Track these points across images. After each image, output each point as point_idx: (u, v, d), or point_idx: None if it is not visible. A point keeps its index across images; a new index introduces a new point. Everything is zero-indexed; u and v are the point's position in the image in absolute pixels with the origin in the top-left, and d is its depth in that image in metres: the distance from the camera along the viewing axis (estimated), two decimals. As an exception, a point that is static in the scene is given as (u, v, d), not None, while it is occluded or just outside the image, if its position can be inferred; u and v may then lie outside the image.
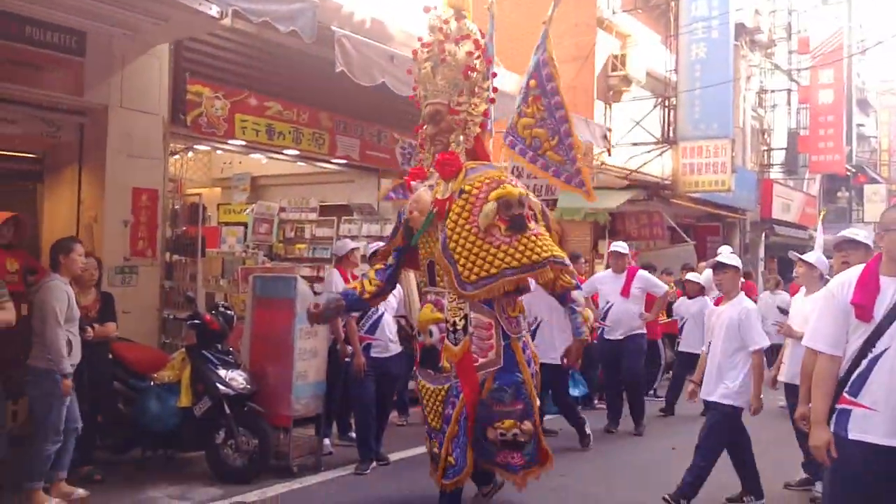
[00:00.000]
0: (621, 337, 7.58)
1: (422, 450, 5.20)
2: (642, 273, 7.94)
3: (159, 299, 6.81)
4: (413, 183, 4.48)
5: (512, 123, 4.91)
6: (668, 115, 14.89)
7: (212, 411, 5.42)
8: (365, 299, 4.78)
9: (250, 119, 7.33)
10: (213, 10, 5.28)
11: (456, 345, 4.13)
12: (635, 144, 14.37)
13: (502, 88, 5.28)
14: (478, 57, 4.38)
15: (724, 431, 5.01)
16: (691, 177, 14.52)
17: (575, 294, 4.30)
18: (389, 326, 5.95)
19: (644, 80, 14.74)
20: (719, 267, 5.21)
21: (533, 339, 6.44)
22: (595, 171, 13.55)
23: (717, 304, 5.38)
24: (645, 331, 7.83)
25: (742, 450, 5.12)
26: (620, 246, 7.92)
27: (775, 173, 21.06)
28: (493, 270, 4.02)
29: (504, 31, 13.86)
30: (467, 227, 4.06)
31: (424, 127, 4.40)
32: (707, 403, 5.36)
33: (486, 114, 4.56)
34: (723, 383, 4.96)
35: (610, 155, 12.62)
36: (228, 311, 5.96)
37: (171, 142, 7.06)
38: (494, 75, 4.69)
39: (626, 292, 7.56)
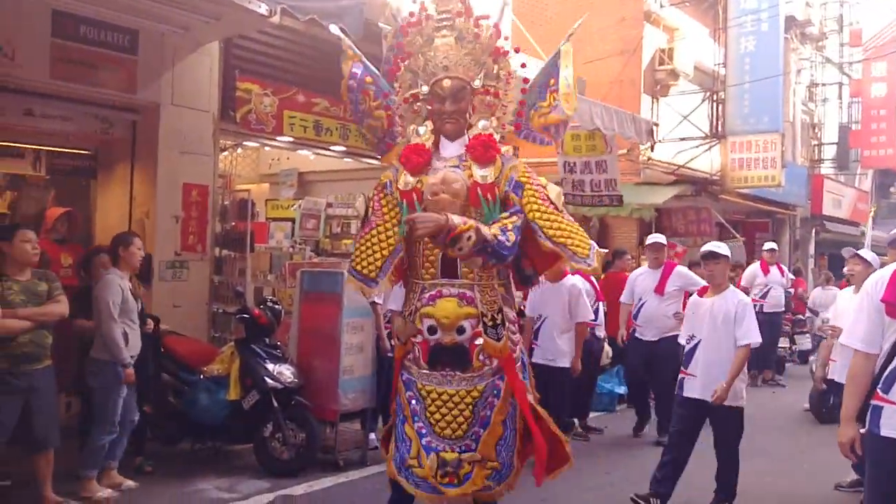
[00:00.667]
0: (654, 339, 7.04)
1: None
2: (680, 269, 7.39)
3: (208, 293, 6.92)
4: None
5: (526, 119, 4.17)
6: (717, 109, 14.58)
7: (260, 405, 5.49)
8: None
9: (298, 115, 7.39)
10: (263, 9, 5.32)
11: (499, 340, 3.68)
12: (683, 139, 14.12)
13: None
14: (506, 38, 3.96)
15: (738, 432, 4.93)
16: (740, 172, 14.22)
17: None
18: None
19: (692, 73, 14.49)
20: (711, 257, 5.00)
21: (536, 338, 6.35)
22: (641, 166, 13.40)
23: (700, 294, 5.18)
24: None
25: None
26: (658, 237, 7.47)
27: (826, 168, 20.57)
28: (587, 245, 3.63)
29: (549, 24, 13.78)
30: (546, 208, 3.67)
31: (438, 103, 3.76)
32: (701, 402, 4.86)
33: (519, 113, 4.03)
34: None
35: (653, 150, 12.44)
36: (276, 306, 6.02)
37: (221, 138, 7.16)
38: (523, 65, 4.11)
39: (660, 289, 7.04)
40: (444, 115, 3.75)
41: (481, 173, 3.66)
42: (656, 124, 11.60)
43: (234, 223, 7.73)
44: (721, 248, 5.13)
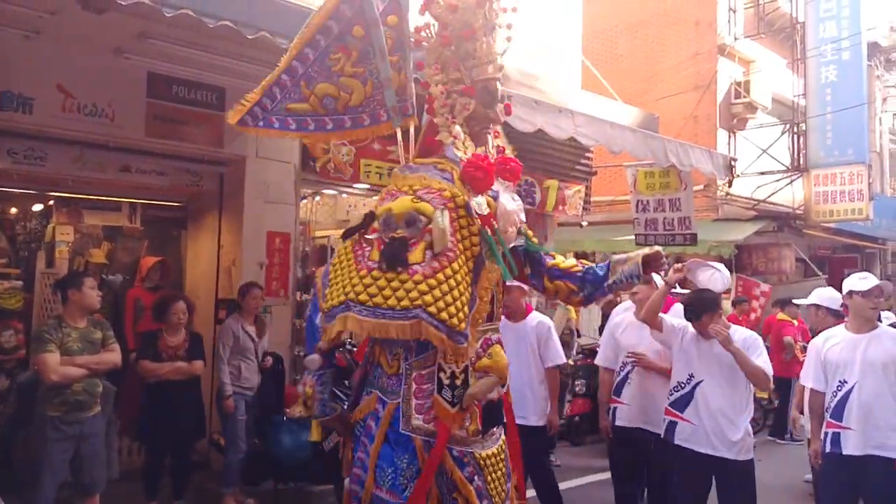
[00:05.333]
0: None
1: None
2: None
3: (290, 337, 7.12)
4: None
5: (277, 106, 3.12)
6: (798, 141, 14.18)
7: (339, 446, 5.58)
8: None
9: (374, 163, 7.62)
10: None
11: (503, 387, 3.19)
12: (763, 174, 13.81)
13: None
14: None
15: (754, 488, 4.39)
16: (825, 206, 13.77)
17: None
18: None
19: (770, 105, 14.21)
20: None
21: None
22: (720, 201, 13.15)
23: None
24: None
25: None
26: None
27: (920, 199, 19.68)
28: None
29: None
30: None
31: (485, 107, 3.09)
32: (712, 459, 4.28)
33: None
34: (731, 433, 4.25)
35: (731, 185, 12.20)
36: (354, 349, 6.15)
37: (302, 187, 7.44)
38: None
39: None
40: (486, 123, 3.12)
41: (478, 201, 2.98)
42: (734, 159, 11.40)
43: (314, 268, 7.96)
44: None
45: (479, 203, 2.87)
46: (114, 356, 4.63)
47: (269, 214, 6.91)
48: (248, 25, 4.39)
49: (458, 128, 3.05)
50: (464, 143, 3.07)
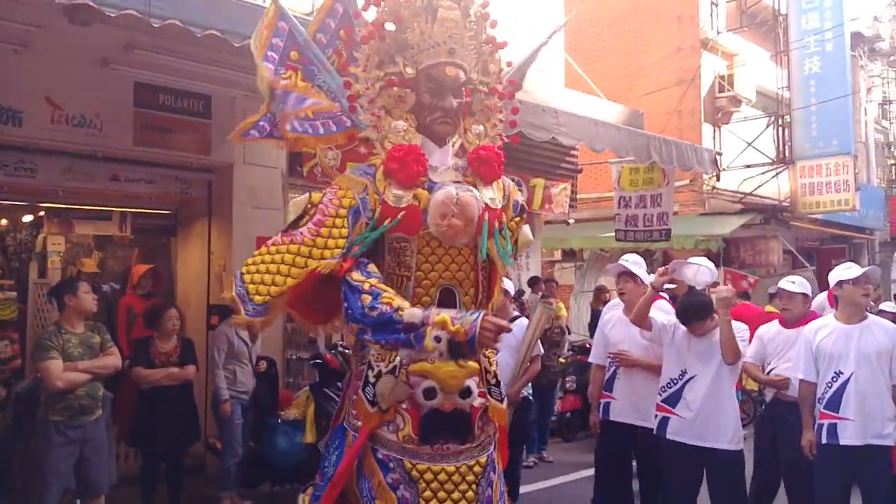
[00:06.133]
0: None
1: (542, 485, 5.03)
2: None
3: (282, 341, 7.19)
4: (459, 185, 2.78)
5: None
6: (783, 133, 14.32)
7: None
8: None
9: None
10: (324, 70, 5.62)
11: (502, 401, 2.95)
12: (749, 166, 13.93)
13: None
14: (493, 25, 2.99)
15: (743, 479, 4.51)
16: (811, 197, 13.90)
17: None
18: None
19: (754, 98, 14.33)
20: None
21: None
22: (706, 195, 13.27)
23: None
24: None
25: None
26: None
27: (905, 188, 19.88)
28: None
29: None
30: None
31: (433, 96, 2.82)
32: (702, 451, 4.40)
33: (512, 122, 3.15)
34: (721, 424, 4.40)
35: (719, 180, 12.29)
36: (347, 350, 6.21)
37: (290, 192, 7.49)
38: (510, 64, 3.16)
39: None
40: (440, 113, 2.83)
41: (489, 195, 2.84)
42: (719, 153, 11.52)
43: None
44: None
45: (398, 196, 2.72)
46: (114, 359, 4.68)
47: (258, 219, 6.96)
48: (235, 33, 4.44)
49: (399, 122, 2.85)
50: (407, 137, 2.85)
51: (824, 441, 4.28)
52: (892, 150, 20.00)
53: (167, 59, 5.38)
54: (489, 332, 2.34)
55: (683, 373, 4.47)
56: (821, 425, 4.31)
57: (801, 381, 4.49)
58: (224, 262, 6.91)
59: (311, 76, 3.02)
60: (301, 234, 2.65)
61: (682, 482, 4.50)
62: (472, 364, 2.70)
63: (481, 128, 2.99)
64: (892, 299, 17.00)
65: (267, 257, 2.64)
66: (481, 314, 2.37)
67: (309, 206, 2.74)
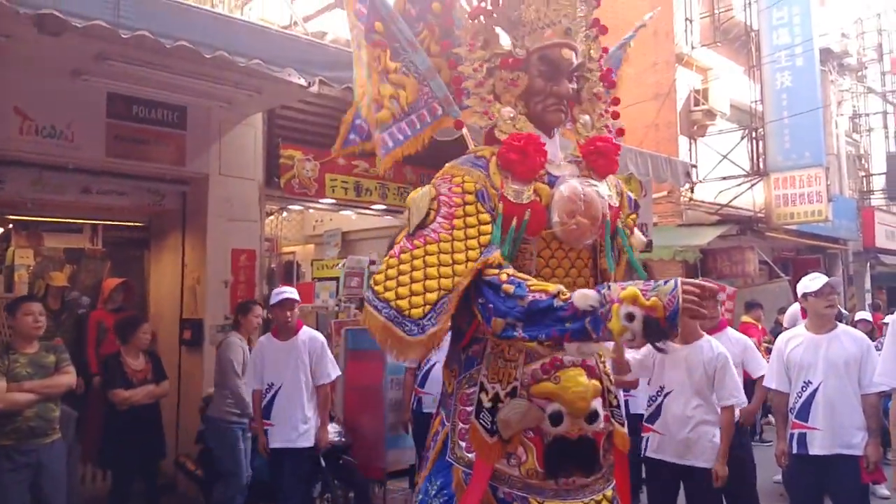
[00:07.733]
0: None
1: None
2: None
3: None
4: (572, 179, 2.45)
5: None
6: (757, 146, 14.55)
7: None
8: None
9: (339, 178, 7.65)
10: (301, 80, 5.58)
11: (624, 426, 2.55)
12: (724, 178, 14.09)
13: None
14: (598, 4, 2.73)
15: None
16: (785, 208, 14.10)
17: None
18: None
19: (728, 112, 14.50)
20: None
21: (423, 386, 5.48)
22: (684, 207, 13.36)
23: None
24: None
25: None
26: None
27: (877, 200, 20.16)
28: None
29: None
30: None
31: (547, 80, 2.50)
32: (675, 467, 4.31)
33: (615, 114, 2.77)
34: (699, 441, 4.29)
35: (693, 192, 12.39)
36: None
37: (267, 204, 7.42)
38: (605, 49, 2.83)
39: None
40: (553, 99, 2.50)
41: (606, 191, 2.51)
42: (694, 165, 11.61)
43: (281, 285, 7.94)
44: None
45: (517, 191, 2.37)
46: (67, 378, 4.45)
47: (234, 232, 6.88)
48: (206, 45, 4.38)
49: (506, 109, 2.51)
50: (517, 125, 2.51)
51: (795, 451, 4.32)
52: (864, 162, 20.31)
53: (141, 70, 5.29)
54: (694, 298, 1.95)
55: (661, 389, 4.41)
56: (792, 435, 4.35)
57: (773, 391, 4.55)
58: (198, 275, 6.80)
59: (397, 55, 2.70)
60: (434, 230, 2.27)
61: (659, 499, 4.50)
62: (595, 383, 2.35)
63: (587, 118, 2.64)
64: (867, 309, 17.25)
65: (404, 267, 2.23)
66: (678, 280, 1.99)
67: (432, 201, 2.35)
